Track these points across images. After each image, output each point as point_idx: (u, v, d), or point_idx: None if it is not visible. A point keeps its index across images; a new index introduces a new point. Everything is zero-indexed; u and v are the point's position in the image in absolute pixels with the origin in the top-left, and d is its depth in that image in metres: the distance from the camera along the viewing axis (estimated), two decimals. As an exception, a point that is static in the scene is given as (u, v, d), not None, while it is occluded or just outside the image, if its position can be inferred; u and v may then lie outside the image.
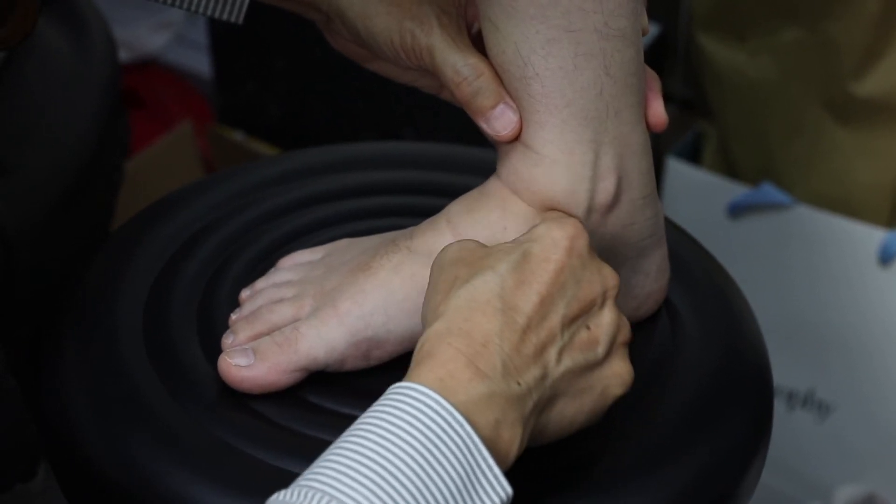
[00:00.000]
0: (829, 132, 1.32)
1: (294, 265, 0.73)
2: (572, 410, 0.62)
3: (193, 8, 0.73)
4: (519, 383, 0.59)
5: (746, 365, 0.73)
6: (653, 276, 0.72)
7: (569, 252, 0.62)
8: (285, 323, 0.69)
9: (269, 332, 0.69)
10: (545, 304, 0.61)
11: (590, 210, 0.68)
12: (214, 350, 0.69)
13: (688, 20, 1.43)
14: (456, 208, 0.70)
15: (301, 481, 0.55)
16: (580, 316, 0.62)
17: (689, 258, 0.79)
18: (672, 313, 0.74)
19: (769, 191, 1.35)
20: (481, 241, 0.67)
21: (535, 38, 0.65)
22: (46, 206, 0.83)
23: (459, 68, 0.68)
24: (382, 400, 0.57)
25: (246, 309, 0.71)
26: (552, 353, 0.60)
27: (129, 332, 0.71)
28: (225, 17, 0.74)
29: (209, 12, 0.73)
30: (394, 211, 0.80)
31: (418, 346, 0.60)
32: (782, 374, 1.35)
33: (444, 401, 0.56)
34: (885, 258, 1.31)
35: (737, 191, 1.37)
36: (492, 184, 0.69)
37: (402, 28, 0.70)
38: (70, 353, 0.71)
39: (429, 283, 0.63)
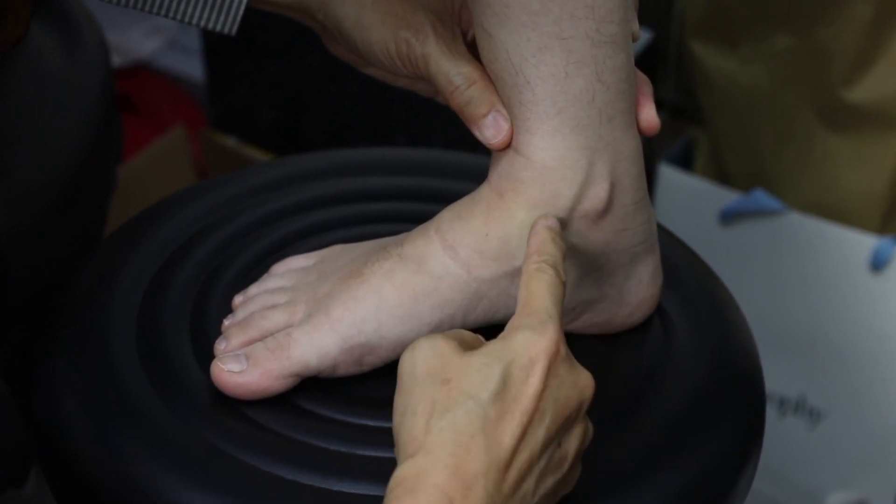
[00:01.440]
0: (821, 139, 1.32)
1: (287, 271, 0.73)
2: None
3: (187, 19, 0.73)
4: None
5: (738, 371, 0.73)
6: (646, 283, 0.72)
7: (547, 371, 0.60)
8: (278, 329, 0.69)
9: (261, 338, 0.69)
10: (526, 434, 0.59)
11: (577, 215, 0.68)
12: (207, 356, 0.69)
13: (679, 27, 1.43)
14: (446, 215, 0.70)
15: None
16: (556, 436, 0.60)
17: (681, 264, 0.79)
18: (664, 320, 0.74)
19: (761, 197, 1.36)
20: (465, 247, 0.68)
21: (526, 45, 0.65)
22: (39, 210, 0.83)
23: (452, 77, 0.69)
24: None
25: (239, 315, 0.71)
26: (530, 483, 0.59)
27: (122, 337, 0.71)
28: (219, 28, 0.74)
29: (203, 23, 0.73)
30: (387, 217, 0.80)
31: (398, 474, 0.57)
32: (773, 381, 1.35)
33: None
34: (876, 265, 1.31)
35: (728, 197, 1.38)
36: (482, 190, 0.70)
37: (398, 38, 0.70)
38: (62, 357, 0.71)
39: (401, 392, 0.60)
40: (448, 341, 0.61)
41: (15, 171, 0.80)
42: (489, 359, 0.60)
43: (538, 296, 0.62)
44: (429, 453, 0.57)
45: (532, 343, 0.60)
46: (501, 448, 0.58)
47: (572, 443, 0.61)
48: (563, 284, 0.63)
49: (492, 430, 0.58)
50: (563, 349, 0.61)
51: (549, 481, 0.60)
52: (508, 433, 0.58)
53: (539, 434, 0.59)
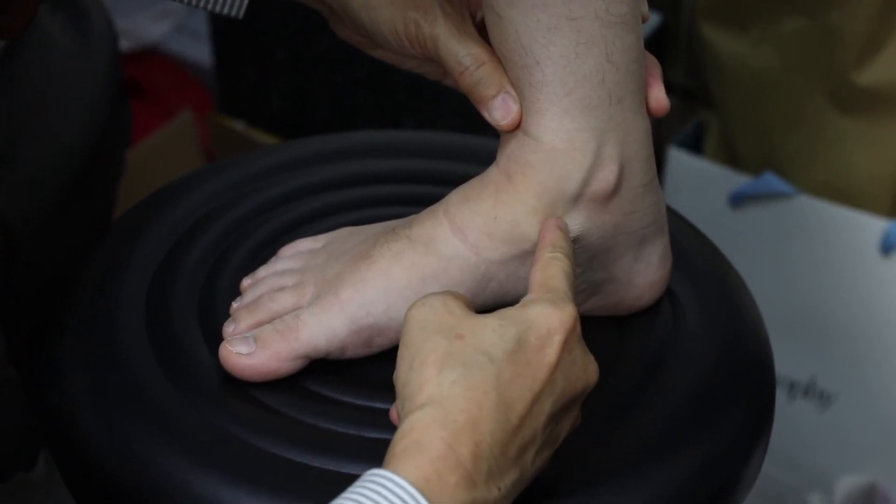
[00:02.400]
0: (832, 122, 1.32)
1: (295, 253, 0.73)
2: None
3: (195, 3, 0.73)
4: (499, 488, 0.57)
5: (748, 355, 0.73)
6: (655, 265, 0.72)
7: (563, 346, 0.60)
8: (286, 311, 0.69)
9: (270, 321, 0.69)
10: (537, 402, 0.59)
11: (585, 197, 0.68)
12: (216, 339, 0.69)
13: (690, 9, 1.43)
14: (455, 197, 0.70)
15: None
16: (559, 414, 0.60)
17: (690, 247, 0.79)
18: (674, 303, 0.74)
19: (771, 180, 1.35)
20: (474, 229, 0.68)
21: (536, 26, 0.65)
22: (48, 196, 0.83)
23: (461, 58, 0.69)
24: (363, 483, 0.55)
25: (247, 297, 0.71)
26: (530, 454, 0.59)
27: (131, 321, 0.71)
28: (226, 11, 0.74)
29: (210, 7, 0.73)
30: (395, 200, 0.80)
31: (405, 425, 0.56)
32: (783, 364, 1.35)
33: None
34: (886, 248, 1.31)
35: (739, 180, 1.37)
36: (490, 172, 0.70)
37: (406, 18, 0.70)
38: (71, 342, 0.72)
39: (408, 345, 0.60)
40: (458, 299, 0.61)
41: (24, 156, 0.81)
42: (505, 321, 0.60)
43: (555, 278, 0.63)
44: (439, 405, 0.57)
45: (551, 315, 0.60)
46: (513, 411, 0.58)
47: (566, 425, 0.61)
48: (575, 277, 0.64)
49: (504, 391, 0.58)
50: (579, 329, 0.61)
51: (544, 455, 0.60)
52: (520, 397, 0.58)
53: (546, 406, 0.59)
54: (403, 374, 0.59)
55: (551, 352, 0.59)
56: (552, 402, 0.59)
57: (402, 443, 0.56)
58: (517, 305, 0.61)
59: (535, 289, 0.62)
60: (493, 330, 0.59)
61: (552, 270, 0.63)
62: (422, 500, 0.54)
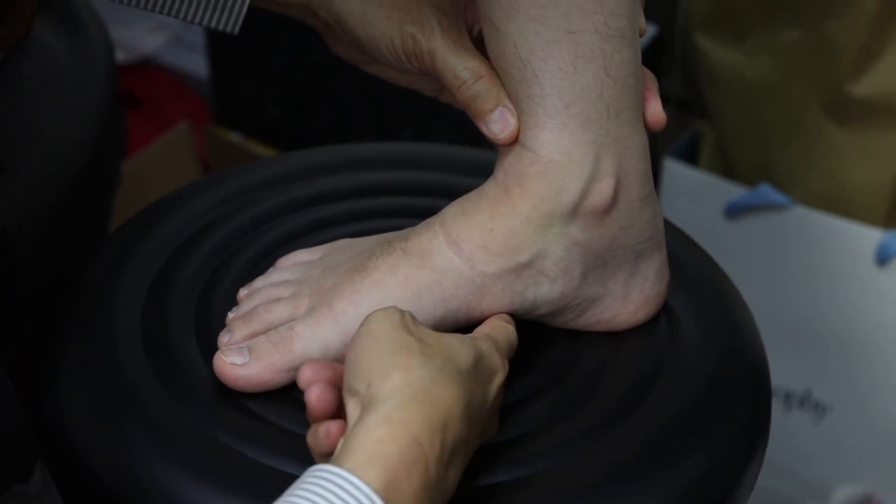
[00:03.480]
0: (827, 133, 1.32)
1: (292, 265, 0.73)
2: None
3: (189, 18, 0.73)
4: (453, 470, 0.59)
5: (744, 366, 0.73)
6: (651, 280, 0.72)
7: (499, 391, 0.64)
8: (281, 322, 0.69)
9: (265, 332, 0.69)
10: (475, 423, 0.62)
11: (582, 211, 0.68)
12: (212, 349, 0.69)
13: (685, 20, 1.43)
14: (451, 210, 0.70)
15: None
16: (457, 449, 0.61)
17: (686, 259, 0.79)
18: (670, 314, 0.74)
19: (767, 191, 1.35)
20: (470, 242, 0.68)
21: (535, 39, 0.65)
22: (44, 206, 0.83)
23: (459, 72, 0.69)
24: (313, 479, 0.55)
25: (243, 308, 0.71)
26: (454, 474, 0.60)
27: (127, 331, 0.71)
28: (221, 27, 0.74)
29: (205, 22, 0.73)
30: (392, 212, 0.80)
31: (369, 423, 0.57)
32: (779, 375, 1.35)
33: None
34: (882, 259, 1.31)
35: (734, 191, 1.37)
36: (488, 185, 0.70)
37: (403, 33, 0.70)
38: (68, 352, 0.72)
39: (372, 336, 0.61)
40: (410, 316, 0.63)
41: (20, 167, 0.81)
42: (463, 342, 0.63)
43: (500, 333, 0.67)
44: (419, 397, 0.58)
45: (495, 357, 0.64)
46: (477, 402, 0.61)
47: (495, 403, 0.64)
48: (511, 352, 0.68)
49: (469, 392, 0.60)
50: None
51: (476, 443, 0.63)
52: (481, 400, 0.61)
53: (463, 433, 0.60)
54: (372, 359, 0.60)
55: (493, 388, 0.63)
56: (468, 429, 0.60)
57: (365, 442, 0.56)
58: (470, 335, 0.65)
59: (485, 330, 0.67)
60: (456, 346, 0.62)
61: (498, 327, 0.68)
62: (376, 500, 0.54)
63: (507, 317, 0.69)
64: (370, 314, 0.63)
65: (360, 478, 0.55)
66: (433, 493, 0.57)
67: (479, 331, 0.68)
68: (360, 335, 0.62)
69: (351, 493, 0.54)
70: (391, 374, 0.59)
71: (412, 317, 0.63)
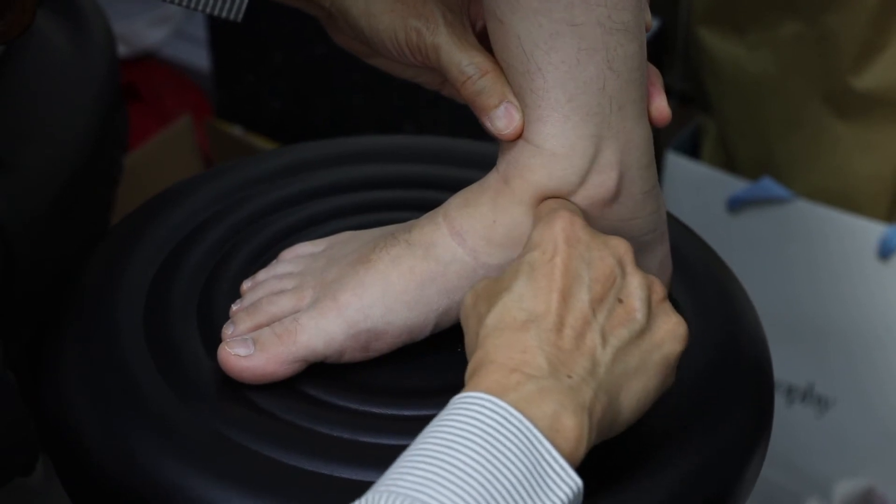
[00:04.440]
0: (829, 126, 1.32)
1: (295, 257, 0.73)
2: (640, 386, 0.62)
3: (193, 5, 0.73)
4: (570, 376, 0.59)
5: (747, 359, 0.73)
6: (654, 272, 0.72)
7: (568, 242, 0.62)
8: (285, 314, 0.69)
9: (269, 324, 0.69)
10: (566, 298, 0.61)
11: (584, 203, 0.68)
12: (215, 343, 0.69)
13: (687, 14, 1.43)
14: (454, 202, 0.70)
15: (379, 487, 0.56)
16: (606, 294, 0.62)
17: (689, 252, 0.79)
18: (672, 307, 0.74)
19: (769, 185, 1.35)
20: (473, 234, 0.68)
21: (538, 32, 0.65)
22: (46, 201, 0.83)
23: (464, 67, 0.69)
24: (441, 413, 0.58)
25: (247, 300, 0.71)
26: (595, 339, 0.60)
27: (130, 325, 0.71)
28: (224, 15, 0.74)
29: (208, 10, 0.73)
30: (395, 204, 0.80)
31: (466, 375, 0.60)
32: (781, 369, 1.35)
33: (497, 399, 0.57)
34: (884, 252, 1.31)
35: (736, 185, 1.37)
36: (490, 177, 0.70)
37: (407, 26, 0.70)
38: (70, 346, 0.72)
39: (466, 327, 0.63)
40: (488, 277, 0.64)
41: (21, 161, 0.80)
42: (518, 261, 0.63)
43: (547, 204, 0.66)
44: (482, 348, 0.60)
45: (546, 228, 0.63)
46: (544, 316, 0.60)
47: (634, 294, 0.62)
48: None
49: (530, 306, 0.61)
50: (580, 222, 0.63)
51: (622, 333, 0.61)
52: (545, 302, 0.61)
53: (582, 295, 0.61)
54: (468, 354, 0.62)
55: (557, 254, 0.62)
56: (586, 289, 0.61)
57: (464, 388, 0.59)
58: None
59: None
60: (509, 272, 0.63)
61: (548, 202, 0.67)
62: (490, 397, 0.57)
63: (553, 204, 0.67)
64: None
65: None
66: (549, 381, 0.58)
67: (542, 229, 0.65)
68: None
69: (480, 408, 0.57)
70: (469, 355, 0.61)
71: (482, 282, 0.64)
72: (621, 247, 0.63)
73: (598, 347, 0.60)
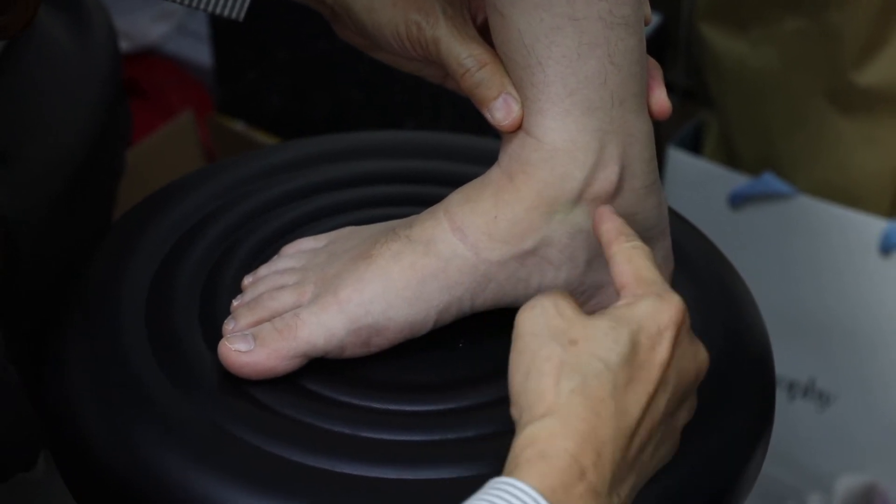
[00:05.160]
0: (831, 122, 1.32)
1: (297, 252, 0.73)
2: (663, 461, 0.61)
3: (195, 4, 0.73)
4: (619, 495, 0.57)
5: (749, 355, 0.73)
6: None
7: (674, 343, 0.59)
8: (286, 309, 0.69)
9: (270, 319, 0.69)
10: (652, 402, 0.59)
11: (586, 198, 0.68)
12: (216, 337, 0.69)
13: (690, 10, 1.43)
14: (456, 197, 0.70)
15: None
16: (674, 407, 0.60)
17: (691, 248, 0.79)
18: (674, 302, 0.74)
19: (770, 181, 1.35)
20: (474, 229, 0.68)
21: (539, 26, 0.65)
22: (48, 196, 0.83)
23: (463, 60, 0.69)
24: (489, 490, 0.55)
25: (248, 295, 0.71)
26: (648, 452, 0.59)
27: (132, 319, 0.71)
28: (226, 13, 0.74)
29: (210, 9, 0.73)
30: (397, 200, 0.80)
31: (526, 434, 0.56)
32: (783, 364, 1.35)
33: None
34: (886, 248, 1.31)
35: (738, 181, 1.37)
36: (492, 172, 0.70)
37: (408, 20, 0.70)
38: (73, 341, 0.72)
39: (522, 351, 0.59)
40: (569, 300, 0.60)
41: (24, 156, 0.80)
42: (617, 323, 0.59)
43: (647, 269, 0.62)
44: (559, 416, 0.56)
45: (660, 311, 0.60)
46: (629, 416, 0.58)
47: (682, 415, 0.62)
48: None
49: (621, 396, 0.58)
50: (688, 321, 0.61)
51: (662, 451, 0.61)
52: (636, 401, 0.58)
53: (661, 404, 0.59)
54: (519, 383, 0.59)
55: (662, 350, 0.59)
56: (666, 399, 0.59)
57: (525, 453, 0.56)
58: (622, 303, 0.61)
59: (632, 283, 0.62)
60: (606, 333, 0.59)
61: (640, 261, 0.62)
62: None
63: (621, 224, 0.64)
64: (519, 313, 0.60)
65: (526, 483, 0.55)
66: (604, 500, 0.56)
67: (621, 272, 0.62)
68: (511, 349, 0.60)
69: (521, 500, 0.54)
70: (535, 404, 0.57)
71: (563, 301, 0.60)
72: (704, 363, 0.61)
73: (647, 466, 0.59)
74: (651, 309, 0.60)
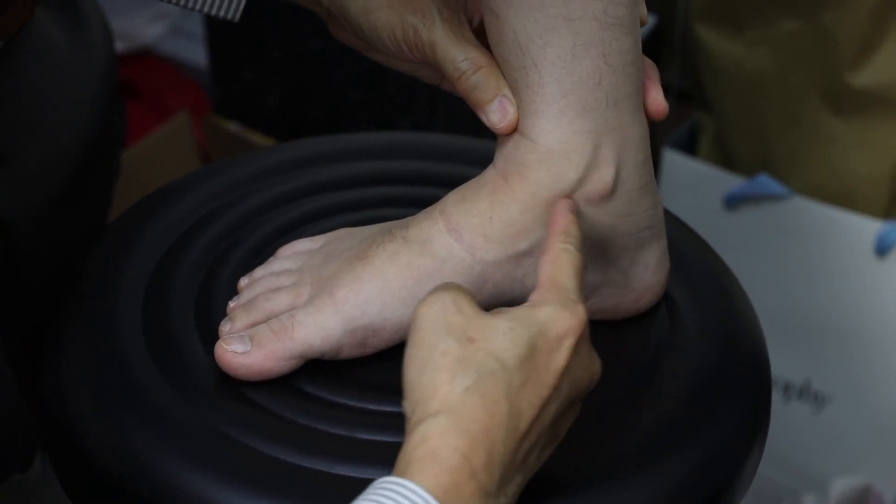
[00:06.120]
0: (826, 123, 1.32)
1: (293, 254, 0.73)
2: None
3: (190, 5, 0.73)
4: (507, 495, 0.57)
5: (744, 356, 0.73)
6: (652, 269, 0.72)
7: (573, 350, 0.60)
8: (282, 311, 0.69)
9: (266, 320, 0.69)
10: (545, 407, 0.59)
11: (581, 199, 0.68)
12: (213, 338, 0.69)
13: (685, 11, 1.43)
14: (451, 198, 0.70)
15: None
16: (564, 413, 0.60)
17: (686, 249, 0.79)
18: (670, 304, 0.74)
19: (766, 182, 1.36)
20: (470, 230, 0.68)
21: (533, 26, 0.65)
22: (45, 196, 0.83)
23: (459, 62, 0.69)
24: (377, 489, 0.55)
25: (244, 297, 0.71)
26: (533, 457, 0.59)
27: (129, 321, 0.71)
28: (222, 14, 0.74)
29: (206, 9, 0.73)
30: (392, 201, 0.80)
31: (419, 432, 0.56)
32: (778, 366, 1.35)
33: None
34: (881, 249, 1.31)
35: (733, 182, 1.38)
36: (487, 173, 0.70)
37: (404, 23, 0.70)
38: (69, 342, 0.72)
39: (419, 345, 0.59)
40: (467, 296, 0.60)
41: (20, 156, 0.80)
42: (516, 324, 0.59)
43: (565, 274, 0.62)
44: (452, 415, 0.56)
45: (562, 318, 0.60)
46: (521, 418, 0.58)
47: (566, 422, 0.61)
48: (585, 269, 0.63)
49: (514, 398, 0.58)
50: (587, 330, 0.61)
51: (545, 454, 0.61)
52: (529, 404, 0.58)
53: (552, 409, 0.59)
54: (413, 377, 0.59)
55: (560, 357, 0.59)
56: (558, 405, 0.59)
57: (417, 451, 0.56)
58: (527, 305, 0.61)
59: (545, 285, 0.62)
60: (504, 333, 0.59)
61: (562, 265, 0.62)
62: None
63: (568, 222, 0.64)
64: (418, 307, 0.60)
65: (417, 482, 0.54)
66: (493, 500, 0.56)
67: (542, 272, 0.62)
68: (408, 342, 0.60)
69: (410, 500, 0.54)
70: (429, 399, 0.57)
71: (462, 298, 0.60)
72: (597, 374, 0.61)
73: (531, 467, 0.59)
74: (554, 314, 0.60)
